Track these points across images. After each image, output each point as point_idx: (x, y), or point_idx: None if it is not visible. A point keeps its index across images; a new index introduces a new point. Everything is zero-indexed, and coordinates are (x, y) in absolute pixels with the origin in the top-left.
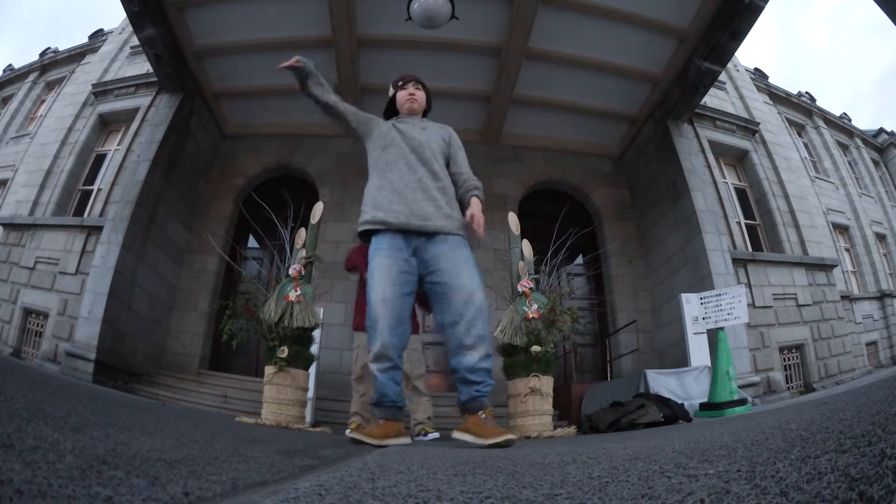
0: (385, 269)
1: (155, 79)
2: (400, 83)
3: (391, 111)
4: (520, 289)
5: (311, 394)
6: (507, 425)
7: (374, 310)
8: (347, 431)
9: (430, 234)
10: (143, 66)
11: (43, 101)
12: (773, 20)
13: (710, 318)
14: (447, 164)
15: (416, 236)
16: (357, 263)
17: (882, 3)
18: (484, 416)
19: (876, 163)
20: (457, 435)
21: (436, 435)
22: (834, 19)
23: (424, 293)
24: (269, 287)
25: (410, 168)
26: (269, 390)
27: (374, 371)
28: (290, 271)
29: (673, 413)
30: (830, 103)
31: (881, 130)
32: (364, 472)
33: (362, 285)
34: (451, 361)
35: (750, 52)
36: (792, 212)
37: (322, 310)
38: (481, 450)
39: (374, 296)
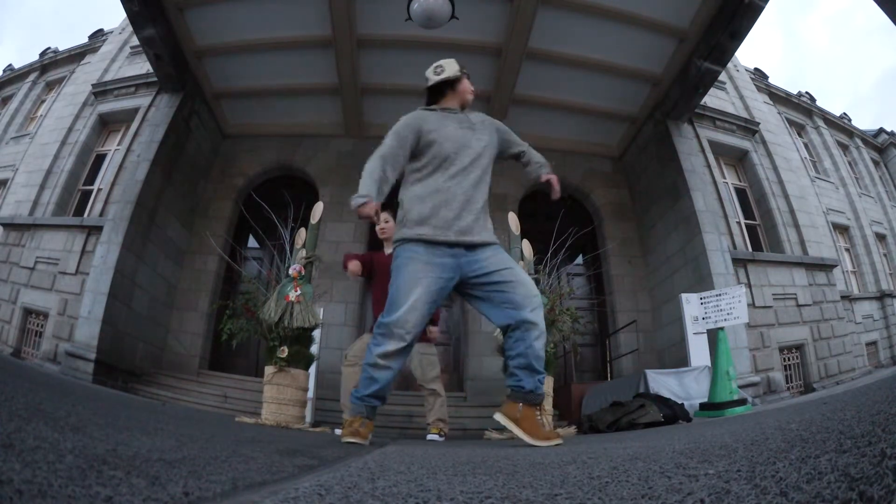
0: (421, 279)
1: (155, 79)
2: (465, 71)
3: (438, 92)
4: None
5: (311, 394)
6: None
7: (402, 314)
8: (436, 437)
9: (472, 246)
10: (143, 66)
11: (43, 101)
12: (775, 23)
13: (710, 318)
14: (504, 153)
15: (457, 246)
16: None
17: (882, 3)
18: (540, 414)
19: (876, 163)
20: (501, 419)
21: (435, 438)
22: (836, 22)
23: (472, 296)
24: (269, 287)
25: (457, 177)
26: (269, 390)
27: (391, 366)
28: (290, 271)
29: (673, 413)
30: (832, 105)
31: (881, 130)
32: (364, 472)
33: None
34: (517, 348)
35: (753, 55)
36: (792, 212)
37: (322, 310)
38: (481, 450)
39: (406, 302)
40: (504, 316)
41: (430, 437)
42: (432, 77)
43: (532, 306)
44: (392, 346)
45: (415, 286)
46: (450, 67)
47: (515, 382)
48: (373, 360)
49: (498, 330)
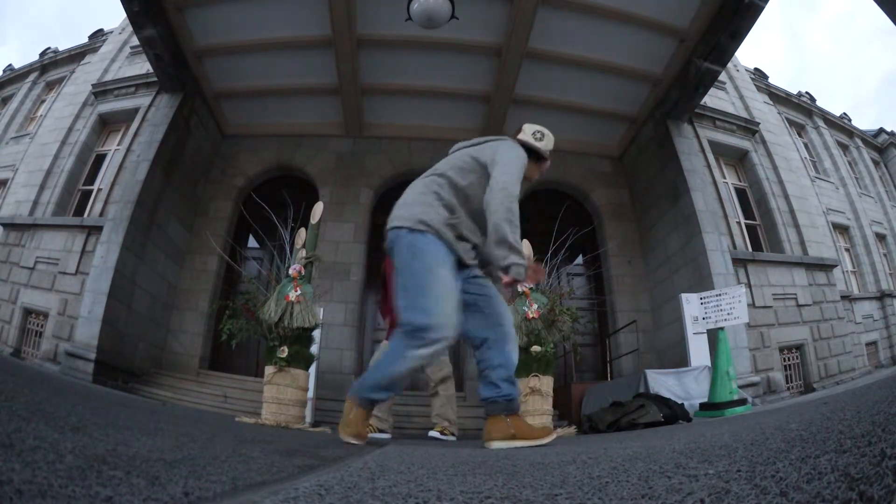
0: (451, 282)
1: (155, 79)
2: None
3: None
4: (520, 289)
5: (311, 394)
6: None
7: (443, 313)
8: (436, 434)
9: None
10: (143, 66)
11: (43, 101)
12: (777, 25)
13: (710, 318)
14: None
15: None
16: None
17: (882, 3)
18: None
19: (876, 163)
20: (499, 444)
21: (436, 435)
22: (838, 25)
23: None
24: (269, 287)
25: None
26: (269, 390)
27: (420, 362)
28: (290, 271)
29: (673, 413)
30: (833, 107)
31: (881, 130)
32: (364, 472)
33: None
34: (497, 358)
35: (753, 55)
36: (792, 212)
37: (322, 310)
38: (481, 450)
39: (446, 302)
40: (486, 324)
41: (431, 433)
42: (529, 138)
43: (510, 318)
44: (442, 345)
45: (450, 293)
46: (548, 142)
47: (499, 393)
48: (406, 370)
49: None
